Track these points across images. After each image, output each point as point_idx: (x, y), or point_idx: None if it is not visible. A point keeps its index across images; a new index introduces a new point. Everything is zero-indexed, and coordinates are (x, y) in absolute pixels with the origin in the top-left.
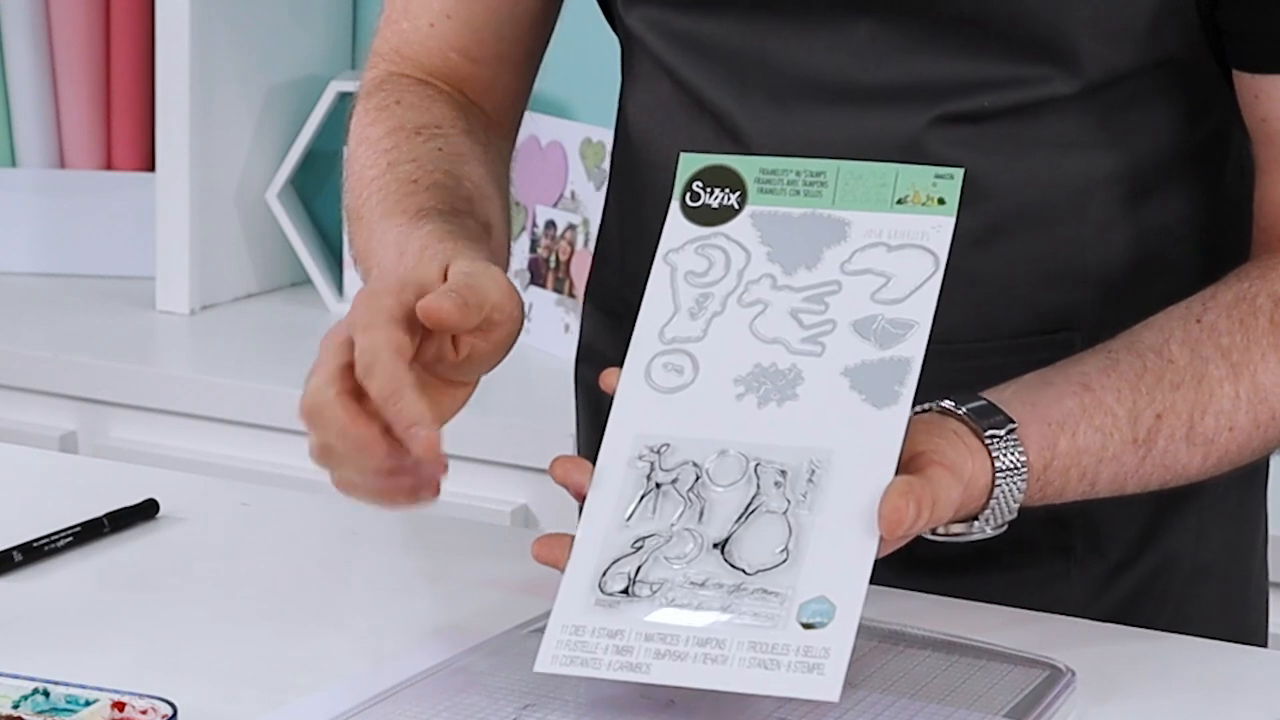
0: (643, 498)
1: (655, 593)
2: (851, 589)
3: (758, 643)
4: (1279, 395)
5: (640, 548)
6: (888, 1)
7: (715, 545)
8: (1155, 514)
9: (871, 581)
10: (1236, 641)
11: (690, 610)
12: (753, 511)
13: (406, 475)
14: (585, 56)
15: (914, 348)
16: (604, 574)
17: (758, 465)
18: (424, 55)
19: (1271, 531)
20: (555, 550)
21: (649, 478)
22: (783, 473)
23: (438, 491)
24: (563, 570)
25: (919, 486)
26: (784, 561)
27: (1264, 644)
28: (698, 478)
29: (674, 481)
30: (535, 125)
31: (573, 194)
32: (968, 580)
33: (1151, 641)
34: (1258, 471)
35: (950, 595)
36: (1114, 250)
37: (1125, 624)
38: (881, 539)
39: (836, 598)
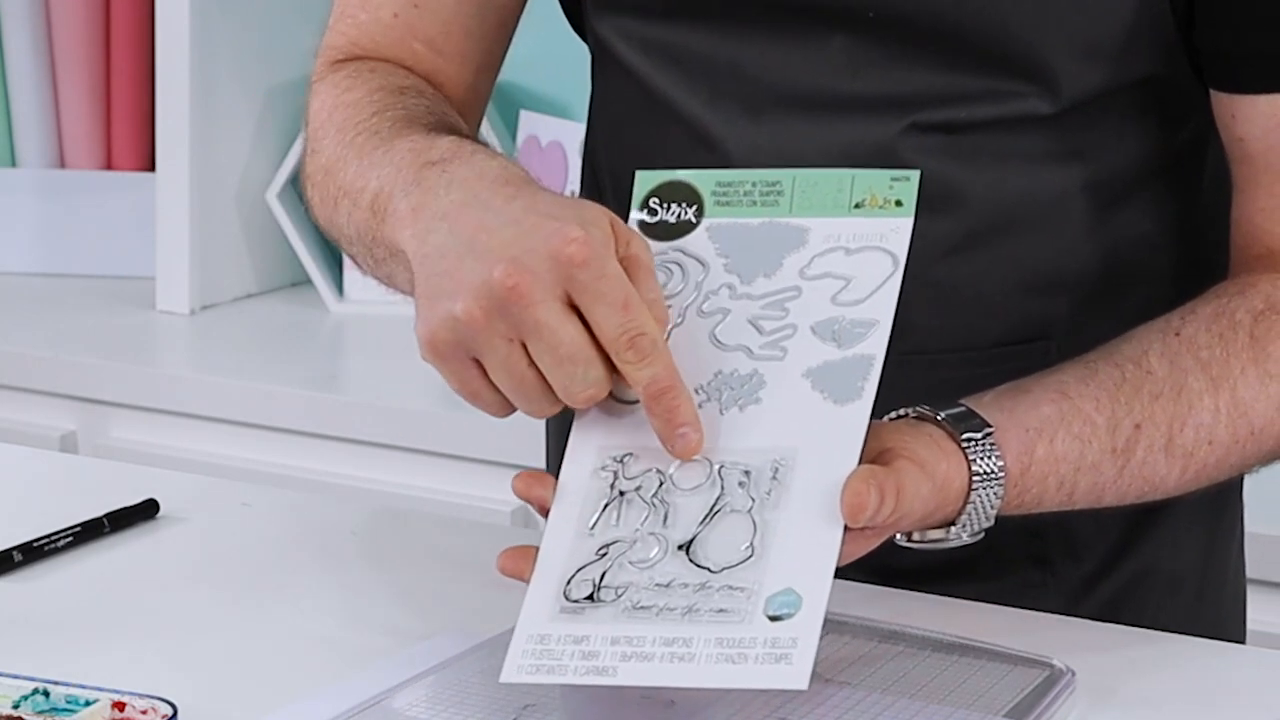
0: (606, 506)
1: (620, 596)
2: (817, 579)
3: (724, 638)
4: (1258, 410)
5: (605, 554)
6: (861, 17)
7: (680, 547)
8: (1131, 524)
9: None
10: None
11: (655, 611)
12: (717, 512)
13: None
14: (585, 57)
15: (876, 345)
16: (568, 582)
17: (721, 468)
18: (386, 47)
19: (1248, 529)
20: (520, 562)
21: (613, 486)
22: (746, 473)
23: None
24: (527, 582)
25: (881, 475)
26: (749, 558)
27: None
28: (661, 483)
29: (638, 489)
30: (535, 125)
31: (573, 194)
32: (944, 590)
33: (1151, 641)
34: (1233, 481)
35: None
36: (1090, 259)
37: None
38: (847, 531)
39: (802, 589)
